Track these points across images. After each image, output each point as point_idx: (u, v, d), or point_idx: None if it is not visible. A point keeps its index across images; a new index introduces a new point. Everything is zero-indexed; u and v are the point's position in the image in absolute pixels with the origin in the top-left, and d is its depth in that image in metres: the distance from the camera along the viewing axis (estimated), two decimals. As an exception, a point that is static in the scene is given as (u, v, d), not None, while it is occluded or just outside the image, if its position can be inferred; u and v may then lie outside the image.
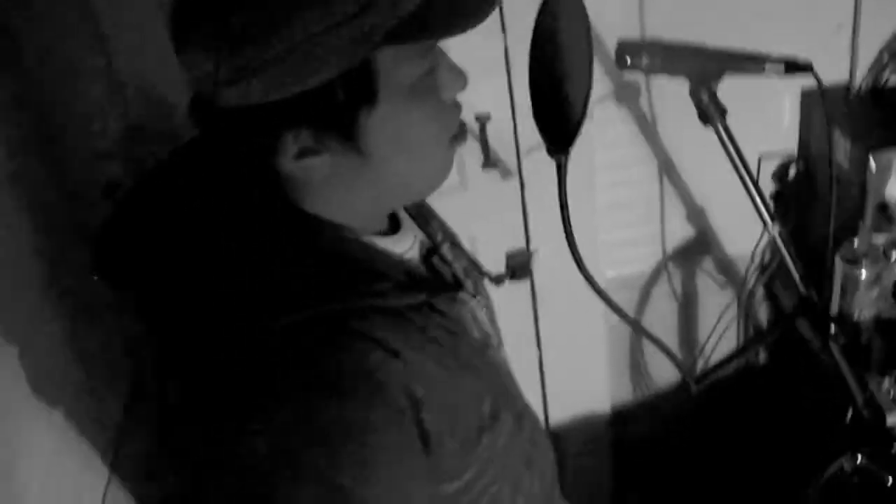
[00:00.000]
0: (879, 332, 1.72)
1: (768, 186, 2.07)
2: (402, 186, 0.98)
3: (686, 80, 1.38)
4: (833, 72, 1.91)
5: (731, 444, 2.33)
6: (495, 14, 1.67)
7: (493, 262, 2.01)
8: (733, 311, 2.27)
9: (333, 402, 0.84)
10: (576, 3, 0.97)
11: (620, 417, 2.43)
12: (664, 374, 2.40)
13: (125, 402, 1.42)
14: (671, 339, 2.35)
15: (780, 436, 2.09)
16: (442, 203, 1.19)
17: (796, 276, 1.46)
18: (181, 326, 0.91)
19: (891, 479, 1.47)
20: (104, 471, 1.30)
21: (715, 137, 1.45)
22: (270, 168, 0.89)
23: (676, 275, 2.22)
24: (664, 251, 2.18)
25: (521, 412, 1.13)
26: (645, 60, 1.32)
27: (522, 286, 2.09)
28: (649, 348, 2.33)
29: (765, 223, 1.44)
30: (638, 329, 1.36)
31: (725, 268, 2.21)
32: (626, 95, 1.93)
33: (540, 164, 1.33)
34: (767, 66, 1.37)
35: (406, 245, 1.03)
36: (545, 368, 2.23)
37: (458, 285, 1.11)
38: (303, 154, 0.87)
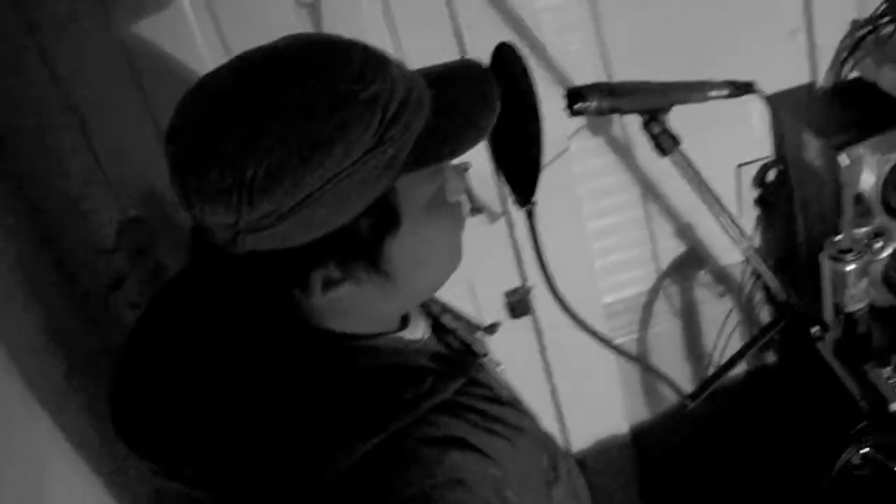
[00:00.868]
0: (875, 321, 1.76)
1: (751, 193, 2.11)
2: (424, 294, 1.01)
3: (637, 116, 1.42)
4: (799, 74, 1.96)
5: (748, 446, 2.35)
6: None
7: (493, 304, 2.06)
8: (735, 317, 2.30)
9: None
10: (516, 60, 1.00)
11: (640, 436, 2.44)
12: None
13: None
14: (678, 354, 2.37)
15: (794, 434, 2.10)
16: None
17: (775, 285, 1.49)
18: (242, 484, 0.87)
19: (900, 466, 1.49)
20: None
21: (691, 152, 1.50)
22: (294, 300, 0.87)
23: (674, 291, 2.25)
24: (658, 270, 2.21)
25: (557, 450, 1.14)
26: (593, 104, 1.34)
27: (526, 322, 2.12)
28: (658, 366, 2.35)
29: (737, 242, 1.48)
30: (622, 354, 1.38)
31: (721, 277, 2.24)
32: (600, 125, 1.97)
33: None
34: (711, 93, 1.41)
35: (421, 331, 1.04)
36: (560, 399, 2.26)
37: (472, 350, 1.13)
38: (328, 286, 0.86)
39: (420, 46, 1.69)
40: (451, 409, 0.92)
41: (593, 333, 1.20)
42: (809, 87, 1.97)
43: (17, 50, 1.52)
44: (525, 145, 1.00)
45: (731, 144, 2.03)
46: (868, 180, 1.70)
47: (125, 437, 0.91)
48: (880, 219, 1.75)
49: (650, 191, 2.08)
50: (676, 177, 1.54)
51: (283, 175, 0.76)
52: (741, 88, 1.48)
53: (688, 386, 2.41)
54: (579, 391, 2.25)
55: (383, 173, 0.81)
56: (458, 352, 1.10)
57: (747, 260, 1.53)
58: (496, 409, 0.98)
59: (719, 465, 2.42)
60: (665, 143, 1.46)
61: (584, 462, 2.33)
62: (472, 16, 1.70)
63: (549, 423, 2.28)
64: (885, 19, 1.81)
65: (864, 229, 1.75)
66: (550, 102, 1.27)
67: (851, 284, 1.65)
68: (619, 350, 1.37)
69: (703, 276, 2.24)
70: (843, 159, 1.69)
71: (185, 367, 0.90)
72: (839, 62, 1.92)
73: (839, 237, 1.66)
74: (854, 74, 1.90)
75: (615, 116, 1.95)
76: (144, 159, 1.63)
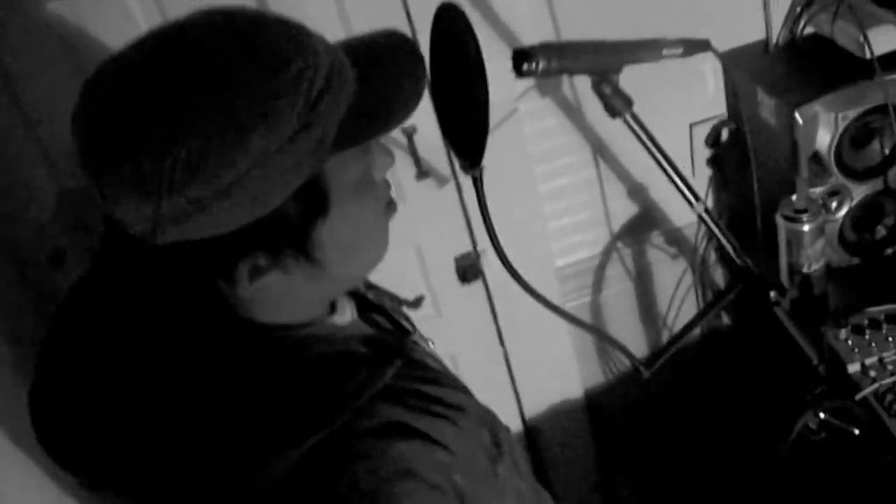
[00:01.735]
0: (831, 282, 1.74)
1: (704, 153, 2.08)
2: (353, 279, 0.98)
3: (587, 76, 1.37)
4: (753, 31, 1.92)
5: (705, 409, 2.34)
6: (410, 27, 1.67)
7: (443, 268, 2.02)
8: (689, 279, 2.28)
9: None
10: (460, 19, 0.96)
11: (595, 401, 2.43)
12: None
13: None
14: (632, 318, 2.35)
15: (751, 397, 2.10)
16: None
17: (729, 248, 1.47)
18: (175, 490, 0.83)
19: (856, 430, 1.47)
20: None
21: (643, 112, 1.45)
22: (220, 292, 0.83)
23: (627, 253, 2.22)
24: (611, 232, 2.18)
25: (496, 422, 1.10)
26: (541, 65, 1.29)
27: (477, 287, 2.08)
28: (612, 329, 2.33)
29: (690, 204, 1.44)
30: (571, 319, 1.35)
31: (674, 239, 2.22)
32: (549, 86, 1.92)
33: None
34: (665, 51, 1.37)
35: (348, 313, 1.01)
36: (513, 365, 2.23)
37: (402, 327, 1.10)
38: (255, 275, 0.81)
39: (364, 10, 1.64)
40: (390, 395, 0.88)
41: (542, 299, 1.16)
42: (764, 44, 1.93)
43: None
44: (470, 108, 0.96)
45: (683, 103, 2.00)
46: (824, 139, 1.67)
47: (48, 448, 0.85)
48: (836, 178, 1.72)
49: (602, 151, 2.04)
50: (629, 137, 1.50)
51: (205, 162, 0.71)
52: (696, 47, 1.43)
53: (642, 348, 2.41)
54: (533, 357, 2.22)
55: (312, 155, 0.76)
56: (389, 332, 1.08)
57: (701, 221, 1.50)
58: (434, 389, 0.95)
59: (675, 429, 2.42)
60: (616, 104, 1.42)
61: (538, 428, 2.31)
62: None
63: (502, 389, 2.25)
64: (840, -28, 1.77)
65: (819, 189, 1.73)
66: (497, 63, 1.22)
67: (807, 245, 1.63)
68: (567, 315, 1.34)
69: (657, 238, 2.21)
70: (798, 118, 1.66)
71: (107, 369, 0.84)
72: (794, 18, 1.88)
73: (794, 197, 1.64)
74: (809, 30, 1.86)
75: (565, 76, 1.90)
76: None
